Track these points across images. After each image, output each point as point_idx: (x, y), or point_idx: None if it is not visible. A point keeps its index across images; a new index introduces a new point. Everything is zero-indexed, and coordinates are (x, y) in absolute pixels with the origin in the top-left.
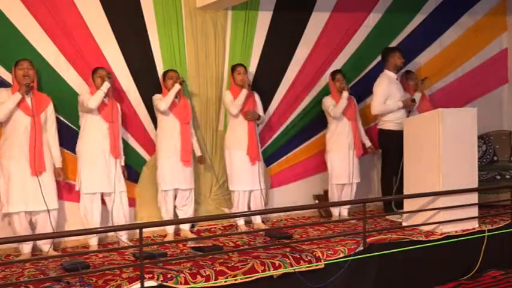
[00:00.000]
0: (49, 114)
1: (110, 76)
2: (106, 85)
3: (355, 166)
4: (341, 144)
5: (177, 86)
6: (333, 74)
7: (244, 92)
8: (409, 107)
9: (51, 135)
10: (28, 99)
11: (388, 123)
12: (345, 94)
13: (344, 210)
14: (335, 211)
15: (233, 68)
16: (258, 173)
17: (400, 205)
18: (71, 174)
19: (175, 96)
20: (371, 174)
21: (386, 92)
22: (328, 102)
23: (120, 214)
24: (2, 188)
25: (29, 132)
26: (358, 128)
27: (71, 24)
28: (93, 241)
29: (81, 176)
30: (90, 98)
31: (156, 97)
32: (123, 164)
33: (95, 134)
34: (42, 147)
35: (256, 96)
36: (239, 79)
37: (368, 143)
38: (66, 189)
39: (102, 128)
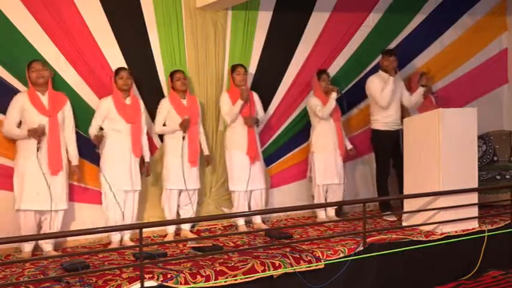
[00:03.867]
0: (66, 113)
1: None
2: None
3: (341, 166)
4: (327, 145)
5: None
6: (319, 74)
7: (239, 103)
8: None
9: (68, 133)
10: (44, 99)
11: (376, 123)
12: (334, 95)
13: (331, 211)
14: (321, 213)
15: (233, 68)
16: (258, 172)
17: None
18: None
19: (183, 97)
20: (368, 175)
21: (380, 86)
22: (314, 101)
23: (132, 212)
24: (16, 186)
25: (47, 132)
26: (342, 129)
27: (71, 24)
28: (115, 237)
29: (104, 175)
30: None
31: (163, 103)
32: (148, 160)
33: (117, 134)
34: (60, 147)
35: (255, 96)
36: (238, 79)
37: (349, 145)
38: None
39: (124, 130)
